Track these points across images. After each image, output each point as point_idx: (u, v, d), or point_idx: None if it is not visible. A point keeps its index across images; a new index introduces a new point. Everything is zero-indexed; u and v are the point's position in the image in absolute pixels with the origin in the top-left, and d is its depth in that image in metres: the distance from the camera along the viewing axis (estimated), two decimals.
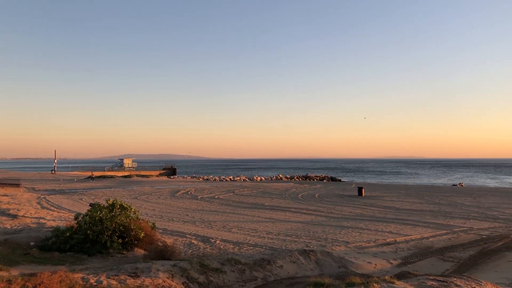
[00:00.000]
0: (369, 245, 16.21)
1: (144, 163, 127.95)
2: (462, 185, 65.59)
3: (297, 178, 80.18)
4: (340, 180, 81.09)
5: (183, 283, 9.16)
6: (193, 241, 16.19)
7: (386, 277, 8.54)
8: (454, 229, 20.15)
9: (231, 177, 79.18)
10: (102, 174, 72.01)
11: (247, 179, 74.33)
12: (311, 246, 15.33)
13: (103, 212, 13.29)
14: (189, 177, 78.49)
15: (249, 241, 16.55)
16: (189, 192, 41.39)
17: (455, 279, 8.83)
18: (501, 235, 18.57)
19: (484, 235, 18.67)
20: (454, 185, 68.09)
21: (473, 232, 19.51)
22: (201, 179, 73.87)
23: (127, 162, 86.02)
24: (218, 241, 16.12)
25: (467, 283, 8.59)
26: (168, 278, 9.04)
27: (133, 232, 13.16)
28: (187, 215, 24.72)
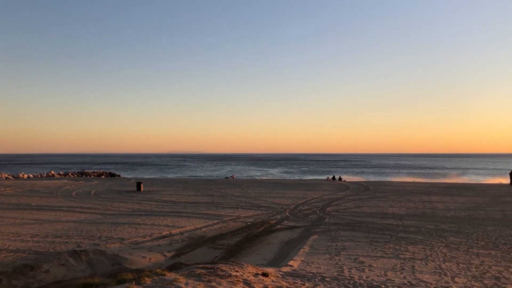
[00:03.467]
0: (145, 239, 16.26)
1: None
2: (233, 178, 71.94)
3: (71, 174, 74.64)
4: (119, 176, 79.07)
5: None
6: None
7: (158, 269, 8.69)
8: (225, 218, 21.92)
9: None
10: None
11: (10, 177, 65.39)
12: (83, 246, 14.49)
13: None
14: None
15: (9, 246, 14.62)
16: None
17: (221, 265, 9.62)
18: (262, 221, 21.09)
19: (249, 222, 20.87)
20: (227, 177, 74.16)
21: (240, 220, 21.58)
22: None
23: None
24: None
25: (232, 267, 9.47)
26: None
27: None
28: None
